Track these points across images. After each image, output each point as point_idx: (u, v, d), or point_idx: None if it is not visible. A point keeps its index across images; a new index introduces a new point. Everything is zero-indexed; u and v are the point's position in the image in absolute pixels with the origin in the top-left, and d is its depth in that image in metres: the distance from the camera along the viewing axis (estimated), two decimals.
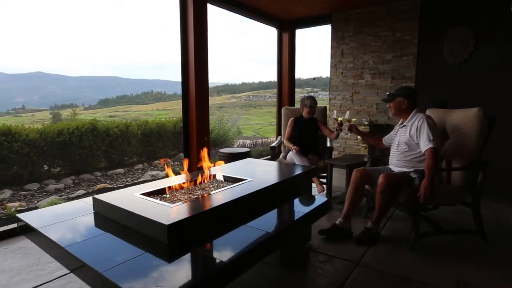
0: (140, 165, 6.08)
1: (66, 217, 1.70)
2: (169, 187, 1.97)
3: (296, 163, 3.24)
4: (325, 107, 3.92)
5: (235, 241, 1.46)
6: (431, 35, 4.17)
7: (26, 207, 3.90)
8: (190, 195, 1.87)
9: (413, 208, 2.33)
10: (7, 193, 4.30)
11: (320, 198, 2.10)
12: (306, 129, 3.58)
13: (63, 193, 4.51)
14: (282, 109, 4.14)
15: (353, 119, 2.96)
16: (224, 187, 1.97)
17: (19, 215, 1.71)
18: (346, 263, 2.11)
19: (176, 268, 1.22)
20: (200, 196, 1.76)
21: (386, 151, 2.89)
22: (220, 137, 7.73)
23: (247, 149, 3.94)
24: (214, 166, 2.32)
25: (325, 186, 3.36)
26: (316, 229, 2.51)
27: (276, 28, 5.60)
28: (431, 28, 4.16)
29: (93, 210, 1.76)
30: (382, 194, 2.36)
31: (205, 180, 2.21)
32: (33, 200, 4.22)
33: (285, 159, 3.60)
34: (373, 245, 2.37)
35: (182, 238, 1.40)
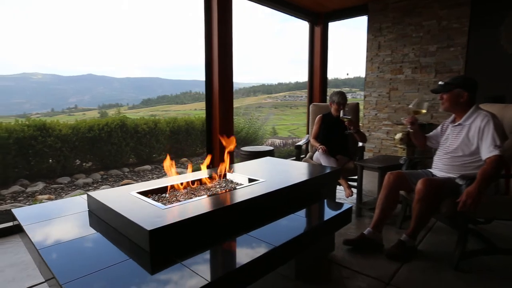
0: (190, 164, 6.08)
1: (61, 214, 1.59)
2: (172, 186, 1.80)
3: (322, 164, 2.95)
4: (357, 103, 3.56)
5: (230, 253, 1.24)
6: (485, 21, 3.63)
7: (54, 199, 3.99)
8: (192, 195, 1.68)
9: (459, 221, 1.95)
10: (40, 185, 4.46)
11: (343, 204, 1.81)
12: (335, 127, 3.25)
13: (90, 188, 4.59)
14: (310, 106, 3.85)
15: (423, 110, 2.34)
16: (231, 188, 1.76)
17: (14, 210, 1.62)
18: (374, 281, 1.79)
19: (157, 285, 1.02)
20: (201, 198, 1.56)
21: (427, 152, 2.48)
22: (249, 135, 7.56)
23: (271, 148, 3.70)
24: (227, 164, 2.12)
25: (354, 190, 3.02)
26: (341, 238, 2.22)
27: (308, 21, 5.29)
28: (486, 14, 3.62)
29: (87, 208, 1.63)
30: (420, 202, 2.01)
31: (213, 180, 2.01)
32: (62, 193, 4.32)
33: (312, 160, 3.31)
34: (407, 262, 2.02)
35: (168, 246, 1.20)
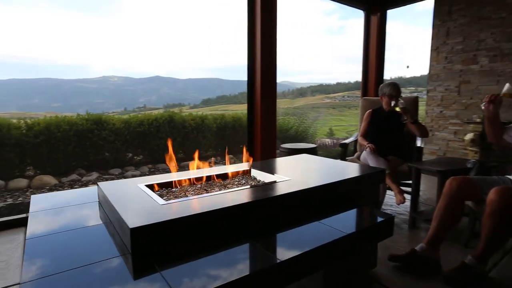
0: (213, 159, 6.09)
1: (74, 203, 1.53)
2: (187, 180, 1.65)
3: (370, 165, 2.56)
4: (416, 97, 3.06)
5: (229, 263, 1.02)
6: None
7: None
8: (204, 191, 1.50)
9: None
10: (94, 175, 4.75)
11: (384, 213, 1.47)
12: (386, 124, 2.83)
13: None
14: (361, 100, 3.44)
15: None
16: (250, 185, 1.54)
17: (33, 196, 1.61)
18: None
19: None
20: (211, 194, 1.37)
21: (508, 156, 1.97)
22: (299, 134, 7.26)
23: (313, 145, 3.39)
24: (250, 161, 1.91)
25: (408, 197, 2.58)
26: (387, 253, 1.86)
27: (363, 10, 4.81)
28: None
29: (97, 198, 1.55)
30: (493, 216, 1.58)
31: (235, 176, 1.81)
32: None
33: (359, 160, 2.93)
34: None
35: (155, 248, 1.03)
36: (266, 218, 1.30)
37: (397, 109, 2.61)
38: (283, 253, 1.04)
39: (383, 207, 2.95)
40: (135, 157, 5.49)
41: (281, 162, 2.17)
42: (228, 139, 6.42)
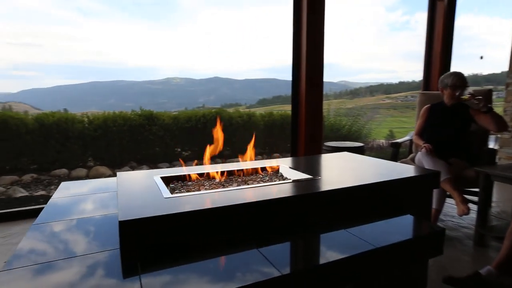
0: (259, 157, 5.98)
1: (96, 191, 1.53)
2: (205, 174, 1.55)
3: (426, 167, 2.20)
4: (490, 89, 2.57)
5: (228, 271, 0.87)
6: None
7: None
8: (221, 186, 1.38)
9: None
10: (144, 168, 4.97)
11: (431, 225, 1.19)
12: (448, 120, 2.42)
13: None
14: (418, 95, 3.03)
15: None
16: (272, 182, 1.37)
17: (63, 183, 1.65)
18: None
19: None
20: (224, 190, 1.23)
21: None
22: (351, 134, 6.81)
23: (359, 144, 3.06)
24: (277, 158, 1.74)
25: (473, 207, 2.16)
26: (442, 273, 1.55)
27: None
28: None
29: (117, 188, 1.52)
30: None
31: (261, 172, 1.66)
32: None
33: (413, 162, 2.56)
34: None
35: (145, 245, 0.93)
36: (278, 221, 1.12)
37: (465, 97, 2.21)
38: (284, 267, 0.86)
39: (441, 217, 2.54)
40: (183, 152, 5.64)
41: (317, 159, 1.96)
42: (275, 137, 6.27)
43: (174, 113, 5.56)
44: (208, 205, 1.03)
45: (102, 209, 1.27)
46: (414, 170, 1.57)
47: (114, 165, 4.95)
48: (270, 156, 6.17)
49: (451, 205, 2.64)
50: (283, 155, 6.19)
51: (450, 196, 2.23)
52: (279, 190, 1.20)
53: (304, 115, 3.45)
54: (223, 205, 1.03)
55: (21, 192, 3.79)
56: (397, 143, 2.70)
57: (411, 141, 2.85)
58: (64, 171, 4.52)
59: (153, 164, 5.17)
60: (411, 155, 2.80)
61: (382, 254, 0.96)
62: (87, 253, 0.91)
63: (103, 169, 4.75)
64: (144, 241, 0.93)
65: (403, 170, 1.55)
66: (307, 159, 2.01)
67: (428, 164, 2.22)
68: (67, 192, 1.51)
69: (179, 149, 5.58)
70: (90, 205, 1.34)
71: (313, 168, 1.68)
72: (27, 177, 4.28)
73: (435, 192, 2.12)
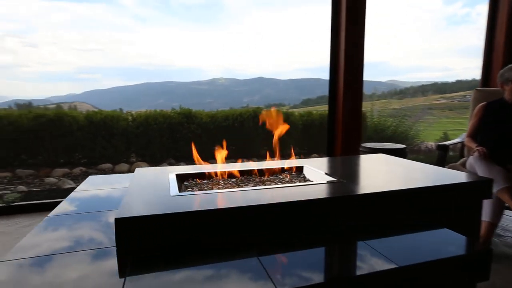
0: (297, 156, 5.82)
1: (120, 185, 1.55)
2: (221, 173, 1.49)
3: (478, 174, 1.93)
4: None
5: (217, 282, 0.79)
6: None
7: None
8: (236, 185, 1.30)
9: None
10: (181, 165, 5.09)
11: (473, 242, 1.00)
12: (508, 119, 2.09)
13: None
14: (473, 92, 2.68)
15: None
16: (291, 183, 1.27)
17: (90, 177, 1.70)
18: None
19: None
20: (236, 190, 1.16)
21: None
22: (397, 135, 6.35)
23: (400, 146, 2.79)
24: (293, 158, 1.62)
25: None
26: None
27: None
28: None
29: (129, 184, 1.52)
30: None
31: (281, 173, 1.56)
32: None
33: (464, 167, 2.27)
34: None
35: (142, 246, 0.88)
36: (284, 227, 1.01)
37: None
38: (280, 284, 0.75)
39: (499, 231, 2.21)
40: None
41: (348, 161, 1.81)
42: (314, 138, 6.06)
43: (213, 111, 5.62)
44: (209, 206, 0.96)
45: (116, 204, 1.26)
46: (457, 176, 1.35)
47: (154, 161, 5.14)
48: (308, 156, 5.98)
49: (509, 218, 2.29)
50: (321, 155, 5.97)
51: (509, 208, 1.93)
52: (291, 192, 1.10)
53: (341, 115, 3.34)
54: (223, 207, 0.95)
55: (69, 184, 4.08)
56: (444, 145, 2.41)
57: (462, 143, 2.54)
58: (108, 165, 4.79)
59: (189, 161, 5.28)
60: (462, 160, 2.49)
61: (403, 274, 0.81)
62: (80, 250, 0.89)
63: (143, 164, 4.95)
64: (139, 240, 0.88)
65: (444, 176, 1.35)
66: (337, 160, 1.86)
67: (481, 170, 1.94)
68: (89, 185, 1.54)
69: (216, 148, 5.64)
70: (107, 199, 1.34)
71: (341, 170, 1.54)
72: (76, 170, 4.60)
73: (489, 203, 1.84)
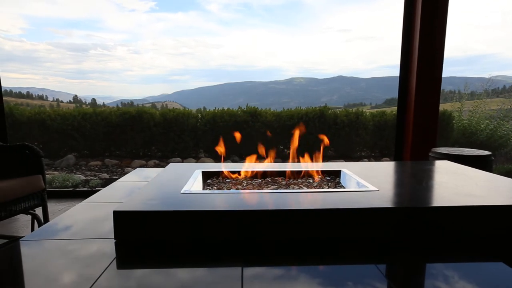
0: (365, 160, 5.39)
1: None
2: (250, 173, 1.44)
3: None
4: None
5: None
6: None
7: None
8: (258, 187, 1.24)
9: None
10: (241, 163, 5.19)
11: None
12: None
13: None
14: None
15: None
16: (318, 189, 1.14)
17: (137, 169, 1.83)
18: None
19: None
20: (256, 191, 1.09)
21: None
22: (494, 140, 5.36)
23: (485, 153, 2.30)
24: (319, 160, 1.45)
25: None
26: None
27: None
28: None
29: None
30: None
31: (314, 177, 1.43)
32: None
33: None
34: None
35: (139, 240, 0.88)
36: (289, 238, 0.90)
37: None
38: None
39: None
40: (285, 150, 5.62)
41: (401, 167, 1.57)
42: (387, 139, 5.53)
43: (278, 110, 5.59)
44: (208, 207, 0.91)
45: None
46: None
47: (219, 158, 5.36)
48: (379, 160, 5.49)
49: None
50: (392, 159, 5.42)
51: None
52: (307, 199, 0.98)
53: (412, 115, 3.08)
54: (221, 209, 0.89)
55: None
56: None
57: None
58: (178, 159, 5.17)
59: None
60: None
61: None
62: (91, 238, 0.94)
63: (208, 160, 5.20)
64: (137, 234, 0.89)
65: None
66: (389, 166, 1.63)
67: None
68: (132, 177, 1.65)
69: (281, 147, 5.59)
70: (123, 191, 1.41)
71: (385, 178, 1.33)
72: (151, 163, 5.08)
73: None
